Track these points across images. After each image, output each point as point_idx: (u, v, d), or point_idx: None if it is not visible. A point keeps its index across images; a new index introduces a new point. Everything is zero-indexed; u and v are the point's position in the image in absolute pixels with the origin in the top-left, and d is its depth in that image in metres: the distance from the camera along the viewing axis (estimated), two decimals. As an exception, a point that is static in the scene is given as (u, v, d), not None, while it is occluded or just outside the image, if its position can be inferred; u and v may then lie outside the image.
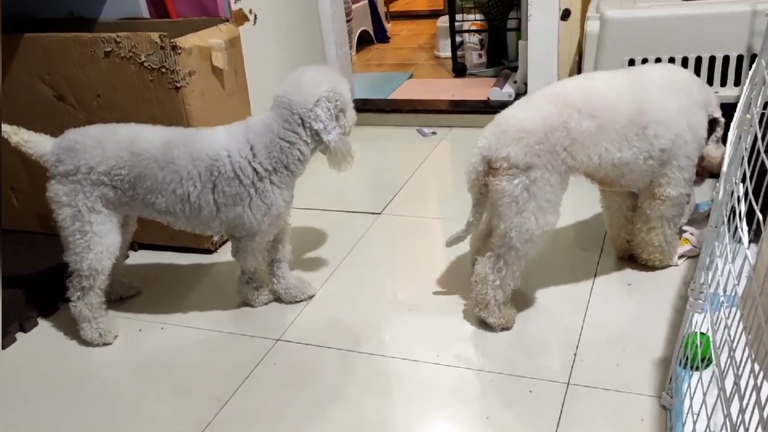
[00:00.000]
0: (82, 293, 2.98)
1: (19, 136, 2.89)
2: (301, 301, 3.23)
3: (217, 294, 3.36)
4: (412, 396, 2.62)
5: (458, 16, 6.21)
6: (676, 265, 3.19)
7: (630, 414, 2.41)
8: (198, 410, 2.65)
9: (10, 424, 2.68)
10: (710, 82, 3.77)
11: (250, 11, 4.13)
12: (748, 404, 1.53)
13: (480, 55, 6.29)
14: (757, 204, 1.77)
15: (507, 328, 2.90)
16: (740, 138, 1.93)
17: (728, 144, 2.06)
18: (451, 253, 3.39)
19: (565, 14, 4.69)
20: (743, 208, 1.80)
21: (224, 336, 3.06)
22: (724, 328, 1.89)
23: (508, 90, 5.24)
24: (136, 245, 3.75)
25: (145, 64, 3.24)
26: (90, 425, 2.65)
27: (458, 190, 3.92)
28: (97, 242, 2.89)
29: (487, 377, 2.66)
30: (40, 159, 2.89)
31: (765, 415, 1.40)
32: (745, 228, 1.72)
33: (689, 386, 2.25)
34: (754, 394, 1.48)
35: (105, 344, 3.07)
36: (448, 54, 6.57)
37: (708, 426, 1.98)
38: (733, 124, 2.04)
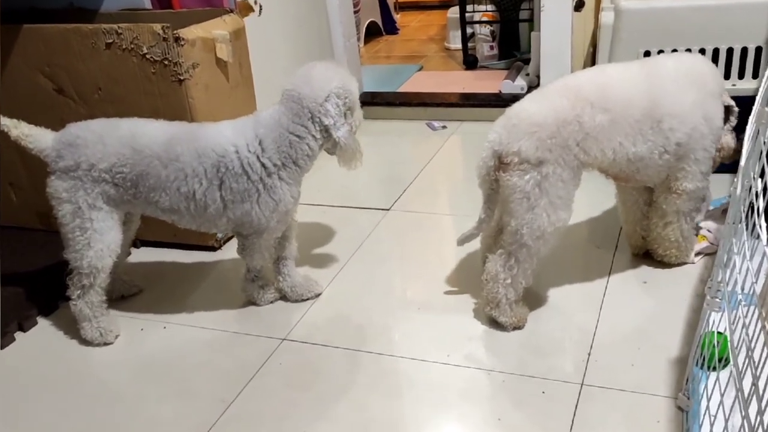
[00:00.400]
0: (82, 292, 2.98)
1: (19, 129, 2.89)
2: (308, 299, 3.23)
3: (222, 292, 3.37)
4: (422, 397, 2.63)
5: (469, 7, 6.19)
6: (693, 263, 3.19)
7: (645, 415, 2.41)
8: (201, 411, 2.65)
9: (9, 426, 2.69)
10: (727, 74, 3.76)
11: (256, 2, 4.13)
12: (767, 406, 1.53)
13: (491, 47, 6.28)
14: (775, 200, 1.77)
15: (519, 328, 2.91)
16: (758, 132, 1.93)
17: (746, 138, 2.05)
18: (462, 251, 3.39)
19: (579, 5, 4.68)
20: (762, 203, 1.80)
21: (228, 335, 3.07)
22: (742, 328, 1.89)
23: (521, 83, 5.23)
24: (138, 242, 3.76)
25: (148, 56, 3.25)
26: (90, 427, 2.65)
27: (469, 186, 3.91)
28: (98, 240, 2.89)
29: (498, 378, 2.67)
30: (40, 154, 2.90)
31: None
32: (764, 224, 1.72)
33: (706, 387, 2.25)
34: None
35: (106, 344, 3.07)
36: (459, 46, 6.55)
37: (726, 428, 1.97)
38: (751, 118, 2.04)
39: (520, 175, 2.69)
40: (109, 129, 2.89)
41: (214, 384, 2.79)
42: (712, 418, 2.09)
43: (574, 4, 4.66)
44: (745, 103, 2.84)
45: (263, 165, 2.82)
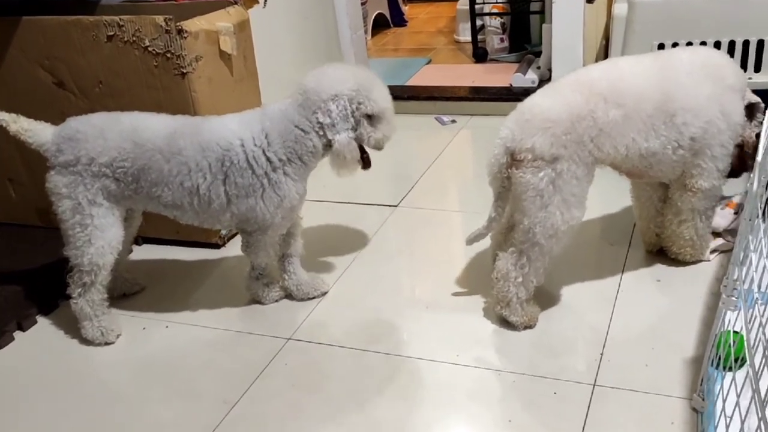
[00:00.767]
0: (83, 290, 2.99)
1: (18, 124, 2.90)
2: (314, 298, 3.24)
3: (226, 291, 3.37)
4: (430, 398, 2.63)
5: (479, -1, 6.21)
6: (708, 260, 3.19)
7: (659, 417, 2.41)
8: (205, 413, 2.66)
9: (9, 427, 2.70)
10: (744, 67, 3.76)
11: (260, -7, 4.14)
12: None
13: (502, 40, 6.28)
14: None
15: (530, 327, 2.91)
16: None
17: (763, 133, 2.06)
18: (471, 248, 3.38)
19: (592, -4, 4.69)
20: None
21: (232, 335, 3.08)
22: (759, 327, 1.89)
23: (532, 76, 5.23)
24: (140, 239, 3.76)
25: (150, 48, 3.25)
26: (91, 428, 2.66)
27: (479, 182, 3.91)
28: (99, 236, 2.89)
29: (508, 378, 2.67)
30: (40, 148, 2.91)
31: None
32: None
33: (722, 388, 2.25)
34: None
35: (107, 343, 3.08)
36: (469, 38, 6.55)
37: (741, 430, 1.97)
38: (768, 113, 2.04)
39: (533, 172, 2.68)
40: (110, 123, 2.90)
41: (217, 385, 2.80)
42: (728, 420, 2.09)
43: (586, -5, 4.67)
44: (760, 96, 2.84)
45: (268, 159, 2.83)
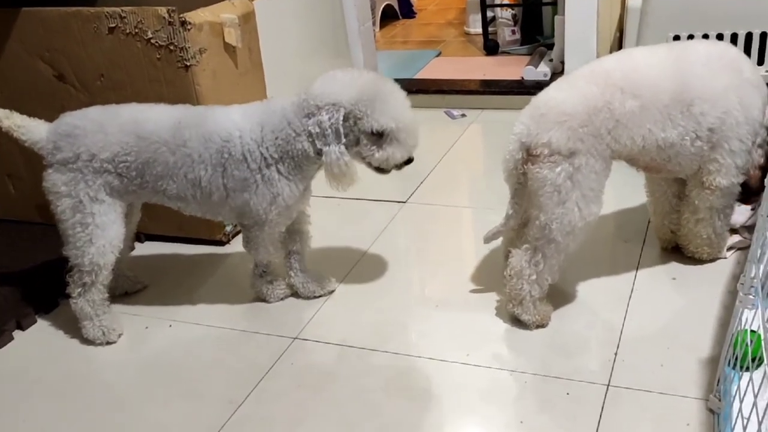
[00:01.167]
0: (83, 289, 2.99)
1: (11, 120, 2.89)
2: (320, 296, 3.24)
3: (230, 289, 3.38)
4: (440, 399, 2.64)
5: (490, -10, 6.20)
6: (725, 258, 3.19)
7: (675, 418, 2.42)
8: (209, 414, 2.67)
9: (8, 429, 2.71)
10: (761, 60, 3.76)
11: (265, -16, 4.14)
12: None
13: (513, 32, 6.27)
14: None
15: (542, 326, 2.92)
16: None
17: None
18: (482, 246, 3.36)
19: (606, -14, 4.69)
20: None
21: (237, 334, 3.09)
22: (777, 325, 1.90)
23: (544, 69, 5.23)
24: (142, 236, 3.78)
25: (152, 41, 3.26)
26: (93, 430, 2.67)
27: (490, 177, 3.93)
28: (100, 235, 2.90)
29: (521, 378, 2.68)
30: (34, 146, 2.90)
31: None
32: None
33: (739, 388, 2.25)
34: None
35: (109, 343, 3.09)
36: (479, 30, 6.54)
37: (759, 431, 1.98)
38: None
39: (550, 167, 2.68)
40: (109, 117, 2.90)
41: (222, 385, 2.81)
42: (745, 421, 2.09)
43: (600, -15, 4.67)
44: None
45: (262, 154, 2.82)
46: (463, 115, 5.15)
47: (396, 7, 7.80)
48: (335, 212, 3.96)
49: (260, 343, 3.00)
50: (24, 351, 3.13)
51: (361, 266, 3.46)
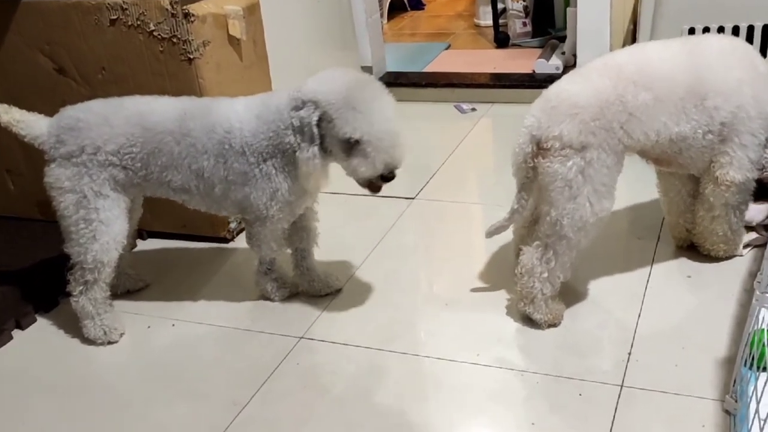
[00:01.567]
0: (85, 287, 2.99)
1: (10, 115, 2.90)
2: (327, 295, 3.24)
3: (235, 287, 3.38)
4: (449, 399, 2.64)
5: (500, -19, 6.20)
6: (741, 255, 3.19)
7: (690, 419, 2.42)
8: (213, 415, 2.67)
9: (7, 430, 2.71)
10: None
11: (270, -25, 4.14)
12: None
13: (524, 24, 6.26)
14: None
15: (554, 325, 2.92)
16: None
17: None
18: (493, 242, 3.39)
19: (619, -23, 4.68)
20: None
21: (242, 333, 3.09)
22: (795, 324, 1.89)
23: (556, 62, 5.23)
24: (144, 233, 3.78)
25: (155, 33, 3.26)
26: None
27: (500, 173, 3.92)
28: (104, 231, 2.90)
29: (532, 379, 2.68)
30: (34, 141, 2.91)
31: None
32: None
33: (755, 389, 2.25)
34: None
35: (110, 343, 3.09)
36: (490, 22, 6.55)
37: (776, 432, 1.98)
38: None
39: (561, 161, 2.68)
40: (113, 109, 2.90)
41: (225, 386, 2.81)
42: (762, 423, 2.09)
43: (613, -24, 4.66)
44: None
45: (258, 148, 2.81)
46: (473, 110, 5.15)
47: (404, -2, 7.80)
48: (342, 208, 3.96)
49: (265, 343, 3.00)
50: (23, 351, 3.13)
51: (368, 264, 3.46)
